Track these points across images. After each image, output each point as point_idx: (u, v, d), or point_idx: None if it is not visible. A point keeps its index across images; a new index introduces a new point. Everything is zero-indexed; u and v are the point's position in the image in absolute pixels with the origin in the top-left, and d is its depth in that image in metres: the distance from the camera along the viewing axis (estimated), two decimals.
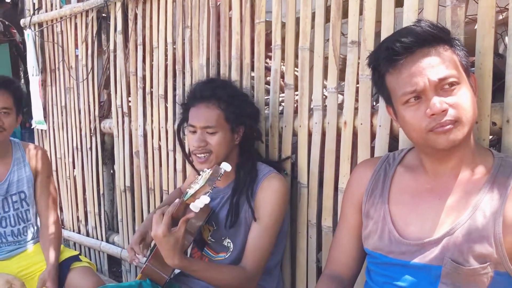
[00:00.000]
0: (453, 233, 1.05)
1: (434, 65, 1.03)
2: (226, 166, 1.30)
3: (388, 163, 1.25)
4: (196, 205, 1.26)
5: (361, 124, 1.52)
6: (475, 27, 1.26)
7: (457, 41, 1.08)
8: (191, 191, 1.28)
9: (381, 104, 1.46)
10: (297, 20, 1.71)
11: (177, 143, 2.20)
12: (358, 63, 1.52)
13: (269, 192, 1.53)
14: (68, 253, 2.05)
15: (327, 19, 1.62)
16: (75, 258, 2.00)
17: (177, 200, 1.36)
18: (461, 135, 1.03)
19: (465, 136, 1.04)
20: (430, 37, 1.04)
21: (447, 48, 1.05)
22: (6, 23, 6.22)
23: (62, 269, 1.94)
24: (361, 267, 1.32)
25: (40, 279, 1.90)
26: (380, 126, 1.47)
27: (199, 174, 1.64)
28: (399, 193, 1.18)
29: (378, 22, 1.46)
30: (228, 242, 1.62)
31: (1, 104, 1.93)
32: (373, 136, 1.52)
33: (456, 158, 1.10)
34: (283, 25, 1.76)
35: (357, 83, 1.53)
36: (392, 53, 1.06)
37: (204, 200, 1.25)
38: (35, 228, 2.12)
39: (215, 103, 1.54)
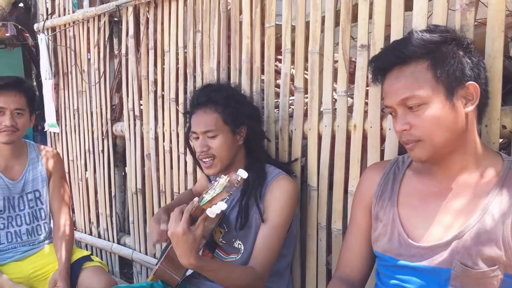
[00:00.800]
0: (462, 237, 1.05)
1: (401, 86, 1.07)
2: (243, 173, 1.30)
3: (397, 166, 1.26)
4: (213, 211, 1.25)
5: (371, 127, 1.53)
6: (485, 31, 1.26)
7: (448, 52, 1.05)
8: (207, 197, 1.28)
9: None
10: (307, 24, 1.72)
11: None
12: (368, 67, 1.52)
13: (278, 193, 1.54)
14: (79, 253, 2.08)
15: (336, 23, 1.63)
16: (87, 258, 2.03)
17: (196, 199, 1.33)
18: (425, 153, 1.08)
19: (435, 152, 1.08)
20: (402, 59, 1.07)
21: (424, 65, 1.05)
22: (19, 27, 6.30)
23: (74, 269, 1.97)
24: (371, 270, 1.32)
25: (51, 279, 1.93)
26: (390, 129, 1.47)
27: (208, 179, 1.64)
28: (408, 196, 1.19)
29: (388, 26, 1.47)
30: (238, 244, 1.63)
31: (14, 105, 1.94)
32: (382, 139, 1.52)
33: (456, 163, 1.11)
34: (293, 29, 1.77)
35: (367, 86, 1.54)
36: (374, 72, 1.16)
37: (221, 206, 1.25)
38: (49, 228, 2.16)
39: (211, 107, 1.57)
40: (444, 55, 1.05)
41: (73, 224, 2.20)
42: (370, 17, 1.51)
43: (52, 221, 2.18)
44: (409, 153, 1.13)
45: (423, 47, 1.06)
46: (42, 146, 2.20)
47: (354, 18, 1.57)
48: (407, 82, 1.07)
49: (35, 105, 2.07)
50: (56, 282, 1.90)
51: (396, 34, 1.43)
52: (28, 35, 6.59)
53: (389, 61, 1.10)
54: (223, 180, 1.28)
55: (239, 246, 1.63)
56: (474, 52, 1.09)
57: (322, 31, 1.66)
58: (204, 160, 1.57)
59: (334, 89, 1.66)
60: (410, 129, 1.08)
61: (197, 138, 1.58)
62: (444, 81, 1.05)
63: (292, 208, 1.58)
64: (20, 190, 2.05)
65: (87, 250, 3.03)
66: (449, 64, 1.05)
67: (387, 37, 1.47)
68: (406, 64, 1.07)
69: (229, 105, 1.58)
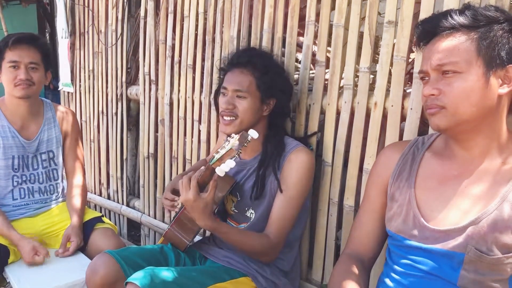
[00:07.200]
0: (479, 223, 1.05)
1: (440, 51, 1.07)
2: (253, 133, 1.32)
3: (416, 147, 1.24)
4: (222, 169, 1.29)
5: (392, 106, 1.51)
6: None
7: (499, 30, 1.04)
8: (217, 156, 1.30)
9: (414, 86, 1.44)
10: None
11: (203, 114, 2.23)
12: (394, 44, 1.49)
13: (296, 164, 1.54)
14: (91, 214, 2.10)
15: None
16: (98, 220, 2.06)
17: (202, 167, 1.39)
18: (445, 122, 1.07)
19: (456, 123, 1.07)
20: (451, 25, 1.06)
21: (470, 36, 1.04)
22: None
23: (86, 228, 2.00)
24: (382, 248, 1.32)
25: (64, 234, 1.96)
26: (411, 109, 1.45)
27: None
28: (426, 178, 1.18)
29: (418, 3, 1.43)
30: (251, 213, 1.64)
31: (29, 59, 1.94)
32: (403, 119, 1.50)
33: (478, 146, 1.10)
34: (318, 0, 1.73)
35: (391, 64, 1.51)
36: (419, 35, 1.15)
37: (230, 164, 1.28)
38: (61, 188, 2.18)
39: (249, 70, 1.57)
40: (494, 32, 1.04)
41: (86, 185, 2.23)
42: None
43: (65, 180, 2.21)
44: (430, 119, 1.11)
45: (475, 20, 1.05)
46: (59, 106, 2.20)
47: None
48: (448, 48, 1.06)
49: (50, 61, 2.07)
50: (70, 237, 1.94)
51: (426, 12, 1.39)
52: None
53: (438, 25, 1.09)
54: (233, 139, 1.29)
55: (251, 215, 1.65)
56: None
57: (349, 4, 1.62)
58: (225, 117, 1.57)
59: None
60: (439, 95, 1.07)
61: (226, 94, 1.59)
62: (485, 57, 1.04)
63: (309, 180, 1.59)
64: (34, 150, 2.06)
65: (96, 210, 3.08)
66: (496, 41, 1.04)
67: (416, 14, 1.43)
68: (454, 32, 1.06)
69: (267, 73, 1.58)
